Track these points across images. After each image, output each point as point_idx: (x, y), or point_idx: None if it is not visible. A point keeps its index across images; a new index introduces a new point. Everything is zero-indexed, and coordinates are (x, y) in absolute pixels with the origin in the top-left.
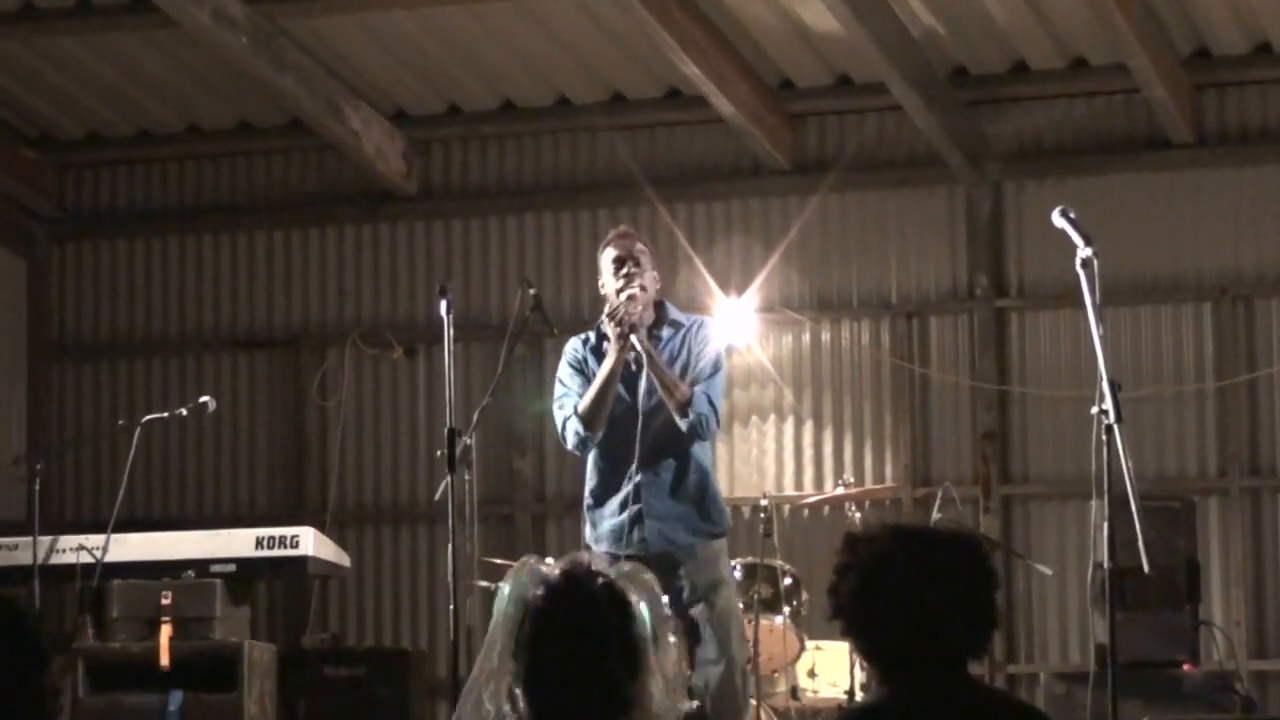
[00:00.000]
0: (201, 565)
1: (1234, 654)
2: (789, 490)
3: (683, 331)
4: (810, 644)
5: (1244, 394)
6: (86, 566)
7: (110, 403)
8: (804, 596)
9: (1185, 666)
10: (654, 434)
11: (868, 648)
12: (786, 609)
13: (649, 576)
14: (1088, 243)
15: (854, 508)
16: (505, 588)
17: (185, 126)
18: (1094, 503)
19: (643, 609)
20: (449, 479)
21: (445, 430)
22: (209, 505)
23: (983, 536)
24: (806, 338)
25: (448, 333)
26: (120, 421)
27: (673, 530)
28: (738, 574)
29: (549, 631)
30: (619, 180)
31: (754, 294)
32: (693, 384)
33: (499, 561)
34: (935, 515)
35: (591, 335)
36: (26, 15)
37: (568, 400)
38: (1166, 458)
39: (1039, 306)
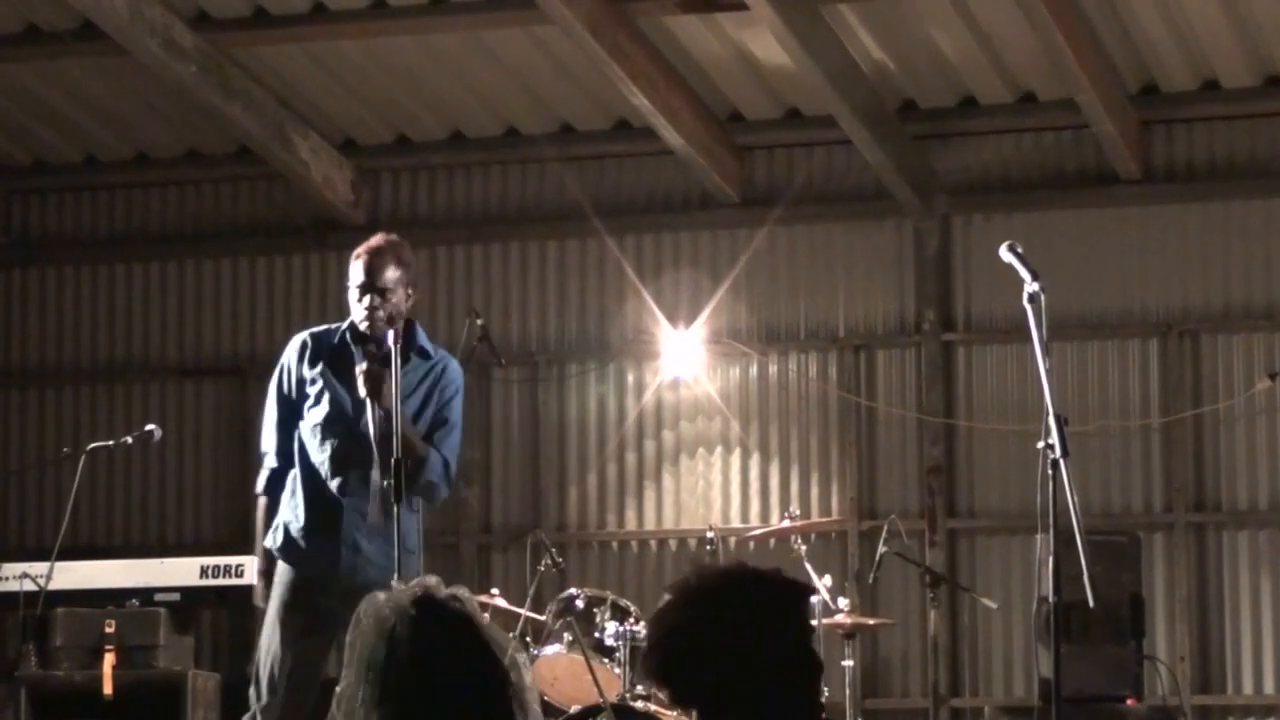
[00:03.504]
0: (146, 594)
1: (1178, 689)
2: (735, 522)
3: (431, 365)
4: None
5: (1190, 429)
6: (30, 594)
7: (55, 430)
8: None
9: (1129, 701)
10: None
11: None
12: None
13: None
14: (1035, 278)
15: (800, 540)
16: (360, 624)
17: (134, 154)
18: (1039, 537)
19: (492, 633)
20: (396, 509)
21: (392, 461)
22: (154, 533)
23: (928, 568)
24: (754, 370)
25: (395, 363)
26: (65, 449)
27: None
28: None
29: (419, 666)
30: (567, 211)
31: (701, 326)
32: (428, 439)
33: None
34: (881, 548)
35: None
36: None
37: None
38: (1112, 492)
39: (986, 341)
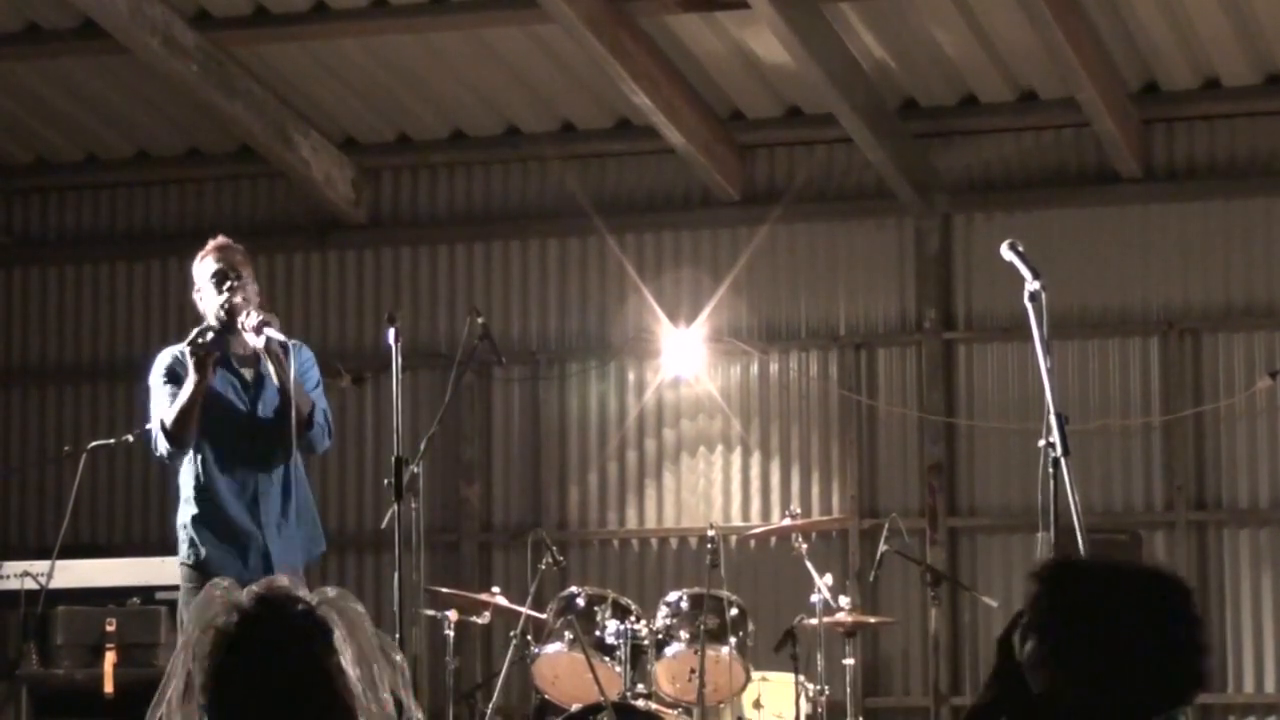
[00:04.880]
0: (146, 592)
1: None
2: (736, 521)
3: (288, 358)
4: (756, 675)
5: (1190, 427)
6: (31, 593)
7: (56, 428)
8: (750, 627)
9: None
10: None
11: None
12: (733, 639)
13: (357, 605)
14: (1036, 276)
15: (801, 539)
16: (193, 611)
17: (134, 152)
18: (1040, 535)
19: (348, 639)
20: (396, 507)
21: (392, 458)
22: (154, 531)
23: (929, 566)
24: (754, 368)
25: (396, 361)
26: (66, 447)
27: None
28: (685, 604)
29: (240, 661)
30: (568, 209)
31: (702, 324)
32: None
33: (445, 590)
34: (882, 547)
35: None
36: None
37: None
38: (1113, 491)
39: (987, 339)
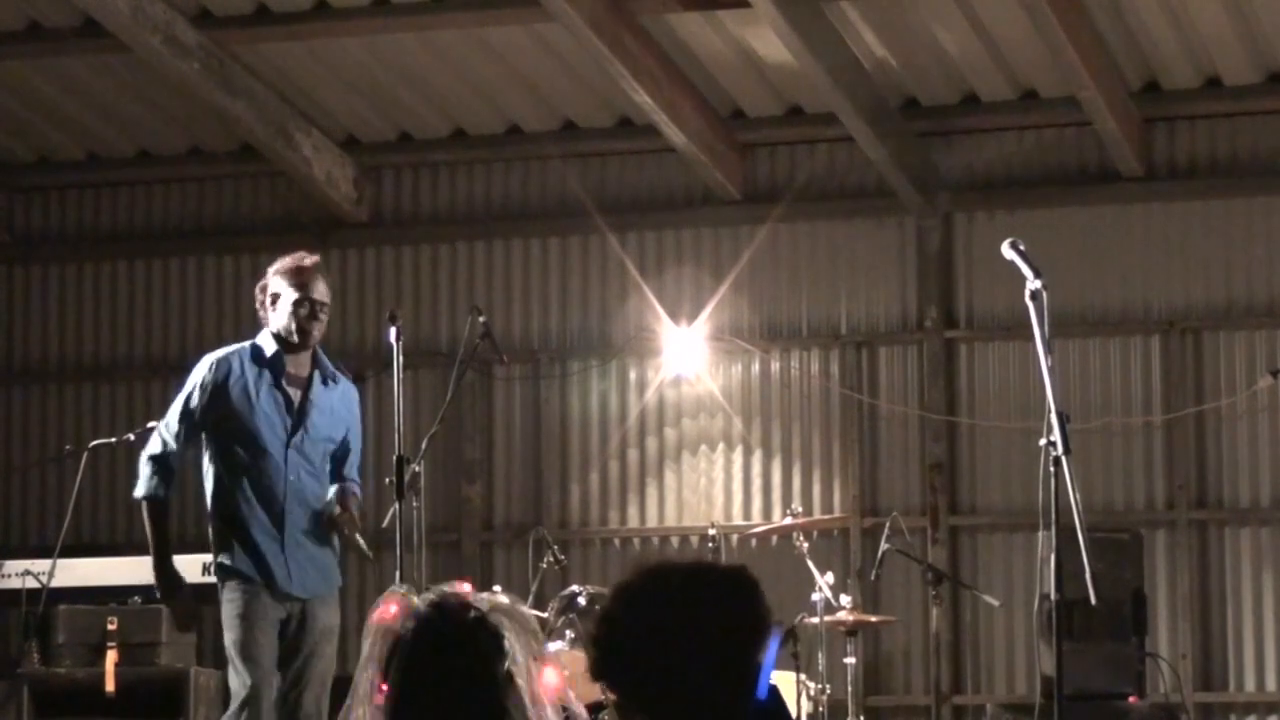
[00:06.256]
0: (147, 591)
1: (1180, 686)
2: (737, 520)
3: (336, 388)
4: None
5: (1191, 426)
6: (32, 592)
7: (57, 427)
8: None
9: (1131, 699)
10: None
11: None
12: None
13: (524, 610)
14: (1037, 275)
15: (802, 538)
16: (373, 617)
17: (136, 151)
18: (1041, 534)
19: (516, 644)
20: (397, 506)
21: (394, 457)
22: None
23: (931, 565)
24: (756, 367)
25: (397, 360)
26: (67, 446)
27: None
28: None
29: (418, 666)
30: (569, 208)
31: (703, 323)
32: (343, 459)
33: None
34: (883, 546)
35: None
36: None
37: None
38: (1114, 490)
39: (988, 338)
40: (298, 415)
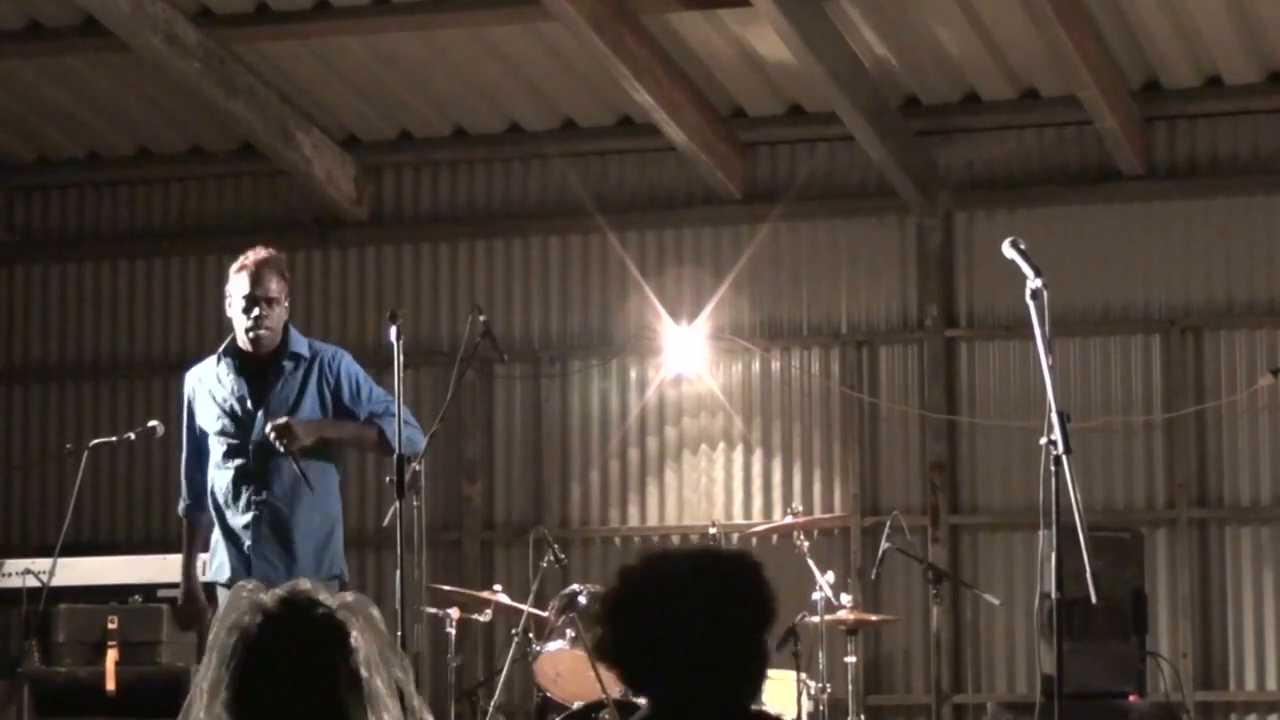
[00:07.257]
0: (148, 590)
1: (1180, 685)
2: (738, 519)
3: (310, 363)
4: None
5: (1192, 425)
6: (32, 590)
7: (58, 426)
8: None
9: (1131, 698)
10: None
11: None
12: None
13: (374, 610)
14: (1037, 274)
15: (803, 537)
16: (221, 612)
17: (136, 150)
18: (1042, 533)
19: (362, 641)
20: (397, 505)
21: (394, 456)
22: (156, 530)
23: (931, 564)
24: (756, 366)
25: (397, 358)
26: (67, 445)
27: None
28: None
29: (262, 662)
30: (570, 207)
31: (704, 322)
32: (371, 414)
33: (447, 588)
34: (884, 545)
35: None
36: None
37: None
38: (1115, 489)
39: (988, 337)
40: (266, 406)
